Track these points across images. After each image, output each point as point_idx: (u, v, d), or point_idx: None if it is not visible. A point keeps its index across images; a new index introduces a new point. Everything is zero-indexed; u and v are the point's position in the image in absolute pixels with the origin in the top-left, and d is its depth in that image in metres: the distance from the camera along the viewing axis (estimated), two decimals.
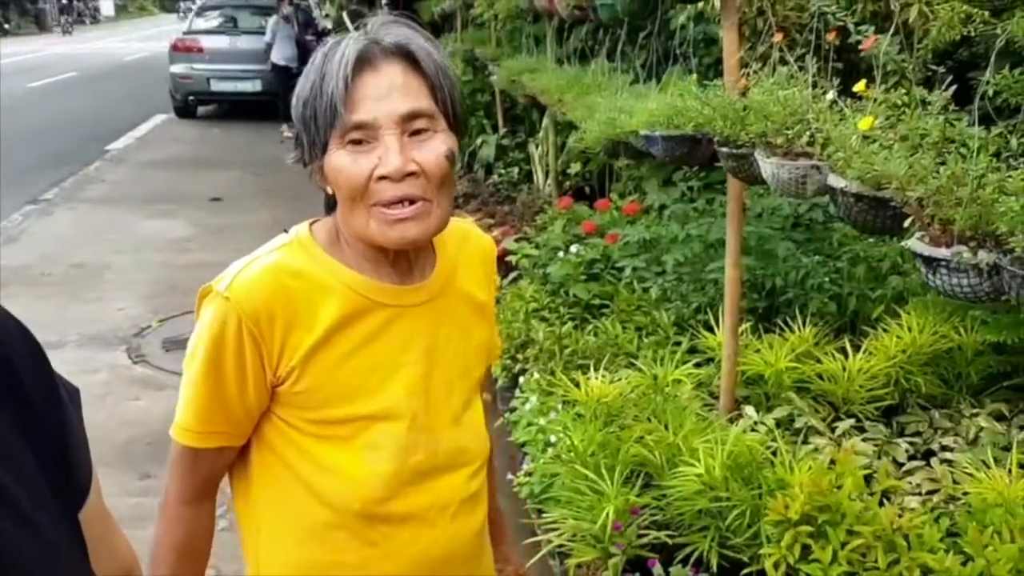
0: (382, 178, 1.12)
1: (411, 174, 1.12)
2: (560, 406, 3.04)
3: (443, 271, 1.27)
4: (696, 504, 2.26)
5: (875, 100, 1.80)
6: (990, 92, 2.94)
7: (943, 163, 1.57)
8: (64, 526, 0.74)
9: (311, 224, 1.24)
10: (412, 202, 1.13)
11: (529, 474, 2.86)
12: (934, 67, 3.55)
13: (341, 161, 1.13)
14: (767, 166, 2.08)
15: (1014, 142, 1.51)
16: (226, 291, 1.14)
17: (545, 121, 6.26)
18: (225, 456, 1.23)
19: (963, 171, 1.50)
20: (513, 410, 3.33)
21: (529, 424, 3.10)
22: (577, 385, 2.96)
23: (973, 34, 3.46)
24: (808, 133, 1.93)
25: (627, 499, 2.32)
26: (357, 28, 1.18)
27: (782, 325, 3.31)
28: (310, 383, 1.17)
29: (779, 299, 3.57)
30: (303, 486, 1.20)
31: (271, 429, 1.21)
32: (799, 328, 3.22)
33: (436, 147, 1.14)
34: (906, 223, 1.59)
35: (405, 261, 1.22)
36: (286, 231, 1.23)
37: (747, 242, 3.71)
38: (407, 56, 1.14)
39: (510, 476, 3.01)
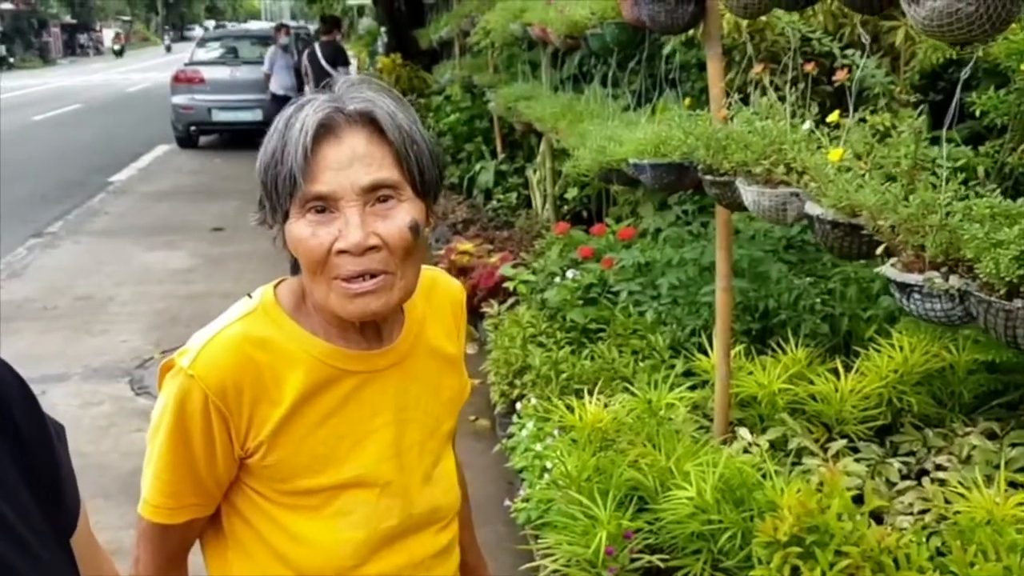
0: (342, 252, 1.08)
1: (372, 248, 1.09)
2: (556, 432, 3.07)
3: (411, 330, 1.24)
4: (688, 527, 2.29)
5: (849, 129, 1.85)
6: (977, 112, 2.99)
7: (914, 190, 1.62)
8: (58, 550, 0.80)
9: (275, 286, 1.21)
10: (373, 276, 1.10)
11: (526, 500, 2.89)
12: (917, 91, 3.60)
13: (301, 232, 1.10)
14: (748, 193, 2.12)
15: (981, 170, 1.55)
16: (190, 367, 1.11)
17: (542, 147, 6.33)
18: (196, 526, 1.21)
19: (932, 199, 1.54)
20: (511, 436, 3.36)
21: (526, 450, 3.13)
22: (572, 410, 2.99)
23: (956, 56, 3.52)
24: (784, 163, 1.97)
25: (620, 523, 2.34)
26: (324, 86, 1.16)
27: (775, 347, 3.35)
28: (279, 456, 1.15)
29: (772, 321, 3.60)
30: (275, 554, 1.18)
31: (240, 497, 1.19)
32: (792, 349, 3.25)
33: (400, 218, 1.10)
34: (878, 250, 1.63)
35: (372, 325, 1.20)
36: (249, 296, 1.21)
37: (740, 265, 3.76)
38: (371, 123, 1.10)
39: (508, 502, 3.04)
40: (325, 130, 1.09)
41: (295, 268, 1.20)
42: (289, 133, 1.10)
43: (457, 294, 1.36)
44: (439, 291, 1.32)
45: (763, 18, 3.93)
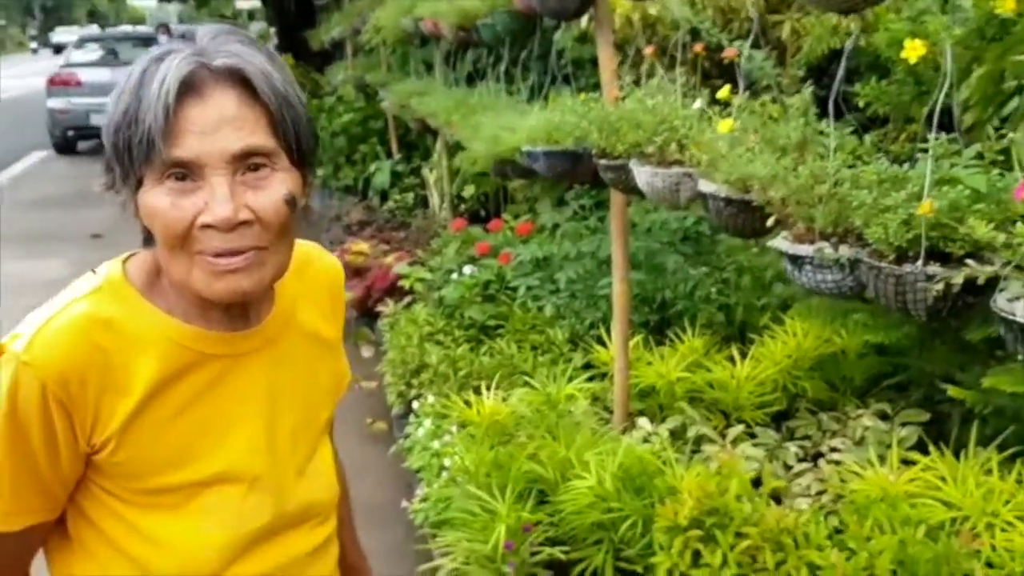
0: (207, 226, 0.96)
1: (243, 223, 0.97)
2: (454, 428, 2.99)
3: (282, 309, 1.13)
4: (589, 517, 2.24)
5: (739, 107, 1.84)
6: (860, 103, 3.06)
7: (804, 163, 1.60)
8: None
9: (124, 261, 1.07)
10: (244, 252, 0.98)
11: (424, 499, 2.79)
12: (802, 78, 3.68)
13: (158, 202, 0.96)
14: (642, 175, 2.09)
15: (868, 140, 1.55)
16: (24, 353, 0.98)
17: (438, 145, 6.25)
18: (37, 533, 1.07)
19: (821, 168, 1.53)
20: (408, 437, 3.25)
21: (423, 449, 3.04)
22: (470, 406, 2.91)
23: (839, 47, 3.62)
24: (676, 140, 1.95)
25: (519, 517, 2.28)
26: (182, 37, 1.02)
27: (673, 337, 3.35)
28: (131, 452, 1.02)
29: (669, 311, 3.61)
30: (129, 560, 1.06)
31: (88, 499, 1.06)
32: (689, 339, 3.25)
33: (274, 190, 0.98)
34: (769, 222, 1.62)
35: (238, 305, 1.07)
36: (94, 271, 1.06)
37: (637, 257, 3.76)
38: (242, 81, 0.97)
39: (405, 503, 2.94)
40: (188, 88, 0.95)
41: (148, 240, 1.06)
42: (145, 89, 0.95)
43: (334, 272, 1.24)
44: (314, 268, 1.20)
45: (653, 12, 3.96)
